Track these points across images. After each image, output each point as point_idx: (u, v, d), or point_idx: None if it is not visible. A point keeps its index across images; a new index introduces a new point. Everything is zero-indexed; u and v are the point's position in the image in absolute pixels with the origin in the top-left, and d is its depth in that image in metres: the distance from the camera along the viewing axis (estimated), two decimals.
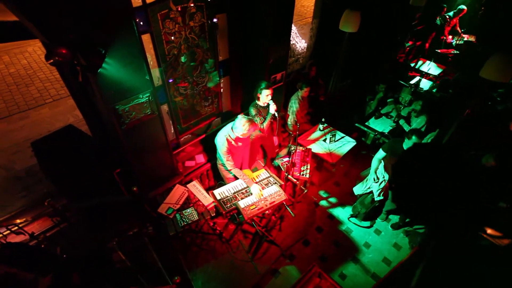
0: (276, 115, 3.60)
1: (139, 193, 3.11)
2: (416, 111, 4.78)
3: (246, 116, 3.16)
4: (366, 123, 4.94)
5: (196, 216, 3.25)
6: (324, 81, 5.47)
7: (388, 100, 5.36)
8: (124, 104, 2.53)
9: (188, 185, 3.55)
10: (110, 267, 2.85)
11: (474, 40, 7.12)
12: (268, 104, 3.66)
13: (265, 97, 3.57)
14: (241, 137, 3.20)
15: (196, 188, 3.53)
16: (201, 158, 4.23)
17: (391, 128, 4.86)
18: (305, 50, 6.12)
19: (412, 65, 6.43)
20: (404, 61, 6.66)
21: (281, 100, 4.66)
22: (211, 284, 3.40)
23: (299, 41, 6.18)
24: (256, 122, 3.66)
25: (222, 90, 4.16)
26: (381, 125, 4.92)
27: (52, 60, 1.76)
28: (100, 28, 2.03)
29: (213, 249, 3.73)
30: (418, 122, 4.66)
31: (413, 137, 3.36)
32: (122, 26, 2.20)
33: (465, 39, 7.20)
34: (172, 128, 3.79)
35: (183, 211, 3.26)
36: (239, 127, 3.09)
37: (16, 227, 2.35)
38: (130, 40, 2.31)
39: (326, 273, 3.61)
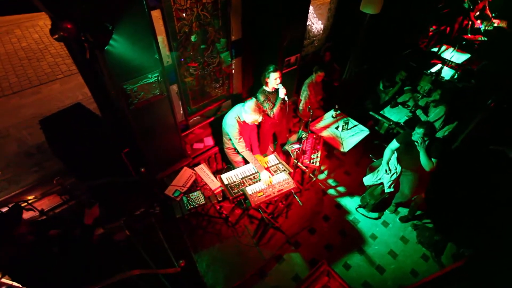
0: (286, 99, 3.46)
1: (146, 174, 3.10)
2: (435, 101, 4.55)
3: (255, 100, 3.06)
4: (381, 112, 4.75)
5: (203, 200, 3.23)
6: (339, 65, 5.23)
7: (405, 89, 5.11)
8: (132, 83, 2.45)
9: (195, 168, 3.52)
10: (117, 246, 2.90)
11: (505, 26, 6.61)
12: (277, 90, 3.51)
13: (273, 81, 3.41)
14: (249, 121, 3.11)
15: (203, 171, 3.50)
16: (209, 141, 4.18)
17: (407, 118, 4.66)
18: (321, 32, 5.82)
19: (435, 51, 6.06)
20: (426, 47, 6.29)
21: (293, 85, 4.50)
22: (216, 266, 3.44)
23: (315, 22, 5.87)
24: (265, 108, 3.56)
25: (233, 71, 4.03)
26: (396, 114, 4.72)
27: (57, 36, 1.67)
28: (108, 2, 1.92)
29: (218, 233, 3.75)
30: (436, 113, 4.44)
31: (419, 130, 3.18)
32: (131, 0, 2.08)
33: (496, 24, 6.70)
34: (181, 109, 3.72)
35: (190, 194, 3.25)
36: (248, 110, 3.01)
37: (26, 203, 2.39)
38: (139, 16, 2.19)
39: (331, 262, 3.63)
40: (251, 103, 3.00)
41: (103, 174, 2.70)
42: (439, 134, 4.40)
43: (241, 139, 3.18)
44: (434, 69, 5.51)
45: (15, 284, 2.35)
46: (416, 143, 3.26)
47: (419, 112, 4.70)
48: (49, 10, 1.48)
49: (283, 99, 3.46)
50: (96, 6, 1.83)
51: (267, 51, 3.89)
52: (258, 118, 3.04)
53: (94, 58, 2.32)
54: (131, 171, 3.07)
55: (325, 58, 5.07)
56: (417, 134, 3.24)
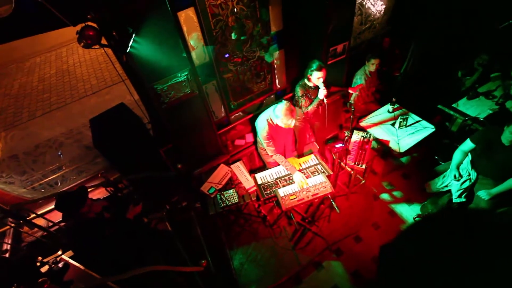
0: (325, 101, 3.19)
1: (184, 170, 3.21)
2: None
3: (288, 103, 2.86)
4: (453, 105, 3.94)
5: (236, 199, 3.20)
6: (402, 51, 4.52)
7: (493, 75, 4.12)
8: (162, 83, 2.53)
9: (232, 166, 3.51)
10: (156, 235, 3.10)
11: None
12: (318, 86, 3.25)
13: (316, 79, 3.17)
14: (281, 125, 2.92)
15: (239, 169, 3.46)
16: (251, 137, 4.11)
17: (490, 112, 3.75)
18: (382, 14, 5.12)
19: None
20: None
21: (342, 77, 4.07)
22: (250, 265, 3.40)
23: (374, 3, 5.18)
24: (302, 103, 3.33)
25: (275, 65, 3.84)
26: (475, 108, 3.85)
27: (83, 43, 1.79)
28: (129, 7, 1.97)
29: (255, 232, 3.69)
30: None
31: None
32: (154, 3, 2.10)
33: None
34: (222, 106, 3.73)
35: (224, 192, 3.25)
36: (279, 114, 2.84)
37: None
38: (163, 18, 2.21)
39: None
40: (281, 106, 2.82)
41: (144, 170, 2.89)
42: None
43: (271, 143, 3.05)
44: None
45: (71, 261, 2.72)
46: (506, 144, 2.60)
47: (510, 104, 3.75)
48: (66, 18, 1.60)
49: (322, 100, 3.20)
50: (115, 11, 1.89)
51: (311, 41, 3.59)
52: (291, 122, 2.85)
53: (131, 61, 2.46)
54: (170, 167, 3.23)
55: (384, 44, 4.44)
56: (510, 133, 2.56)
